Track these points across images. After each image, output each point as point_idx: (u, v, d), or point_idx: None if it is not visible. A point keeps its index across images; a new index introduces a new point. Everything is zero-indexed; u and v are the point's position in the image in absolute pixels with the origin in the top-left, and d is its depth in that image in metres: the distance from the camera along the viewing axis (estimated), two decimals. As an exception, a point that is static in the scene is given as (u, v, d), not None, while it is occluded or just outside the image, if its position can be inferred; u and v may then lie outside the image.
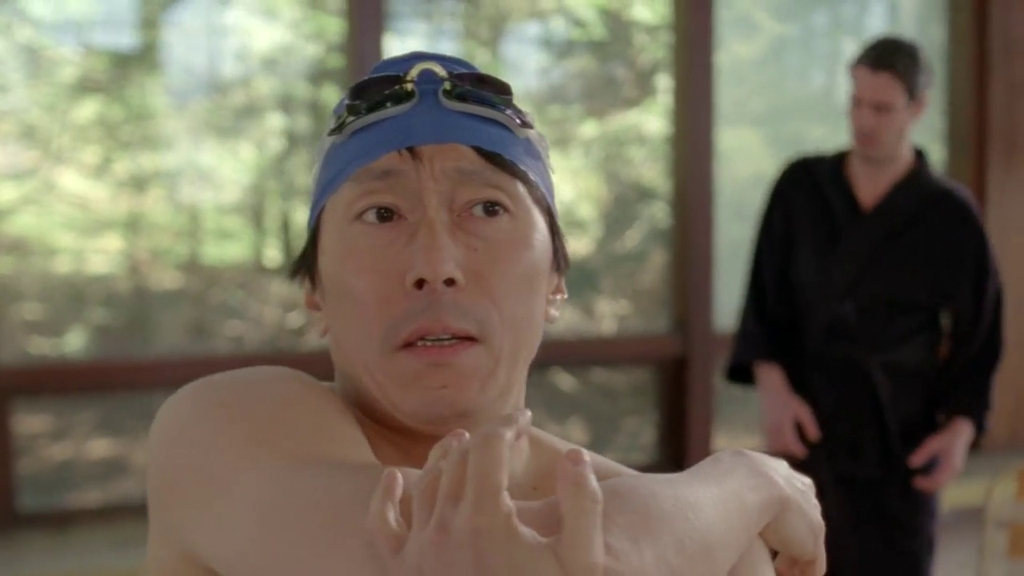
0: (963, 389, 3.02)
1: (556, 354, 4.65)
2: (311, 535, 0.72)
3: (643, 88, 4.79)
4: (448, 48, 4.68)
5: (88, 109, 4.10)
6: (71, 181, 4.06)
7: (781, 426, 2.99)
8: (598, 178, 4.78)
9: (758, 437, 4.85)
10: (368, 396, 0.89)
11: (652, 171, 4.80)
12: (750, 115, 5.02)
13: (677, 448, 4.76)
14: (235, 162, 4.29)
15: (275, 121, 4.36)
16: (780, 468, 0.89)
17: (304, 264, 0.94)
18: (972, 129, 5.08)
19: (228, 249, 4.35)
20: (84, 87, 4.09)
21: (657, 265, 4.83)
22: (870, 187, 2.98)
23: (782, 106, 5.11)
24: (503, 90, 0.90)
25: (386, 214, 0.86)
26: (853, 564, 3.00)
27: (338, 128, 0.90)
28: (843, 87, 2.77)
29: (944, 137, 5.17)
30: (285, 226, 4.40)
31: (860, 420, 3.00)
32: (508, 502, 0.65)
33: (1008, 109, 5.05)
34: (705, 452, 4.82)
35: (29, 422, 4.14)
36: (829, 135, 4.35)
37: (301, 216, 4.36)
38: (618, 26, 4.74)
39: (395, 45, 4.44)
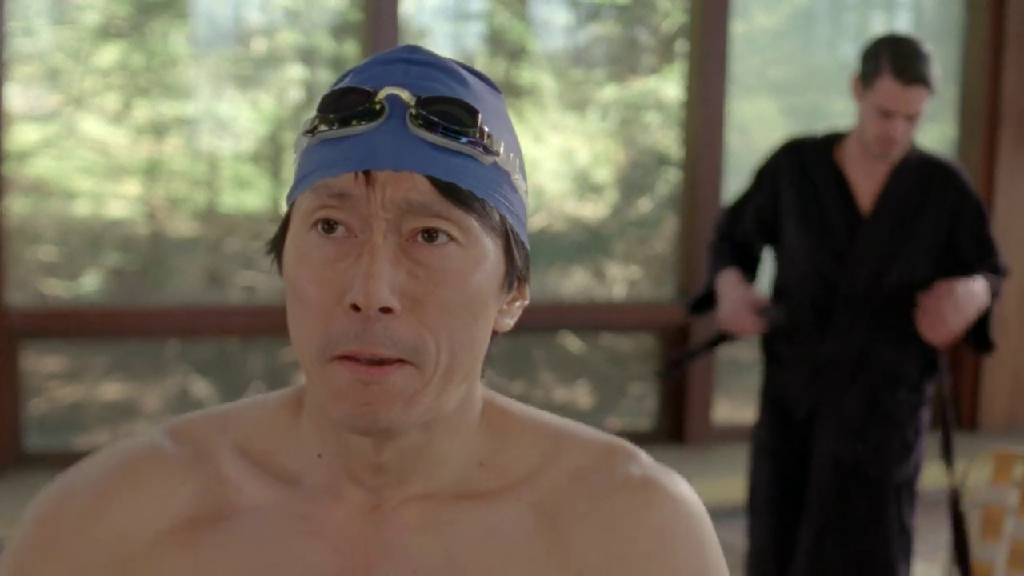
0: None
1: (566, 317, 4.67)
2: None
3: (663, 54, 4.78)
4: (474, 8, 4.66)
5: (110, 54, 4.08)
6: (92, 126, 4.04)
7: (738, 307, 3.01)
8: (615, 143, 4.79)
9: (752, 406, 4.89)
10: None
11: (668, 138, 4.81)
12: (769, 85, 5.02)
13: (676, 415, 4.79)
14: (254, 112, 4.28)
15: (295, 72, 4.35)
16: None
17: (276, 247, 0.97)
18: (984, 108, 5.09)
19: (245, 198, 4.35)
20: (107, 32, 4.06)
21: (669, 232, 4.85)
22: (867, 181, 2.99)
23: (803, 77, 5.11)
24: (473, 115, 0.90)
25: (337, 227, 0.89)
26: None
27: (311, 131, 0.92)
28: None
29: (956, 114, 5.18)
30: (302, 178, 4.40)
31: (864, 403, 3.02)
32: None
33: (1022, 90, 5.06)
34: (704, 421, 4.86)
35: (41, 363, 4.15)
36: (849, 107, 4.35)
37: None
38: (642, -10, 4.72)
39: (413, 1, 4.42)
